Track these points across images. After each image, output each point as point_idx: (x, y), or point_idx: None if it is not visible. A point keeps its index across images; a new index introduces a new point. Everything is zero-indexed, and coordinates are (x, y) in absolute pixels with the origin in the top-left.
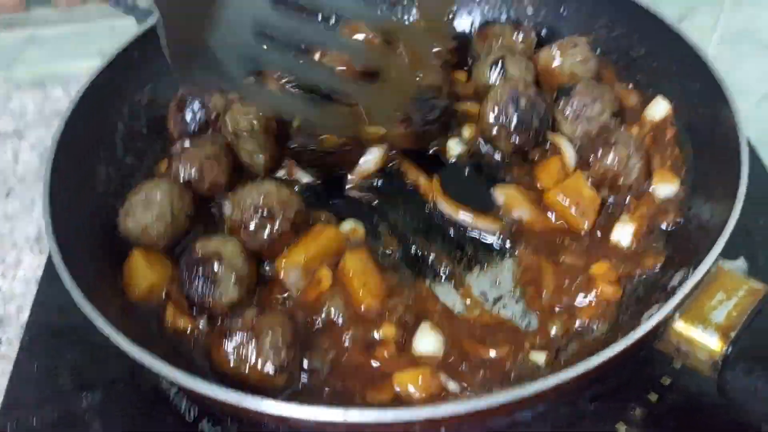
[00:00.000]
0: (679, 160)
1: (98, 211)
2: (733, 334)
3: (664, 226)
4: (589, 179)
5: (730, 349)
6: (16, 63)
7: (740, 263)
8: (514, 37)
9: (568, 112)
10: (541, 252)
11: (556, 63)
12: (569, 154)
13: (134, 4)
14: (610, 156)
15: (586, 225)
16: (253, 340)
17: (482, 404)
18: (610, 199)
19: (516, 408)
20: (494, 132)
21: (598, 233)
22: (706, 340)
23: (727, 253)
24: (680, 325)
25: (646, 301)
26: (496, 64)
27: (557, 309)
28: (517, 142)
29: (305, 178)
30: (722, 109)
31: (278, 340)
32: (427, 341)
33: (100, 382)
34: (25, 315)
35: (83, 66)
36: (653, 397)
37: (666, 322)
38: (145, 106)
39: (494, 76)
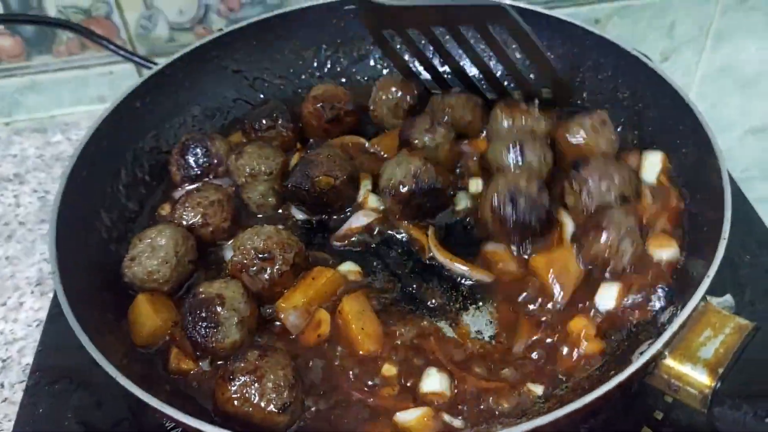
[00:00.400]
0: (677, 213)
1: (102, 255)
2: (721, 370)
3: (661, 292)
4: (581, 259)
5: (718, 385)
6: (17, 109)
7: (728, 299)
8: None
9: (574, 185)
10: (513, 303)
11: (578, 140)
12: (568, 228)
13: (134, 50)
14: (602, 240)
15: (560, 298)
16: (256, 382)
17: None
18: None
19: None
20: (490, 223)
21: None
22: (696, 376)
23: (715, 290)
24: (670, 362)
25: (636, 338)
26: (515, 146)
27: (535, 355)
28: (513, 237)
29: (299, 215)
30: (706, 151)
31: (280, 381)
32: (433, 381)
33: (104, 424)
34: (26, 358)
35: (83, 111)
36: (647, 431)
37: (656, 359)
38: (147, 153)
39: (511, 160)
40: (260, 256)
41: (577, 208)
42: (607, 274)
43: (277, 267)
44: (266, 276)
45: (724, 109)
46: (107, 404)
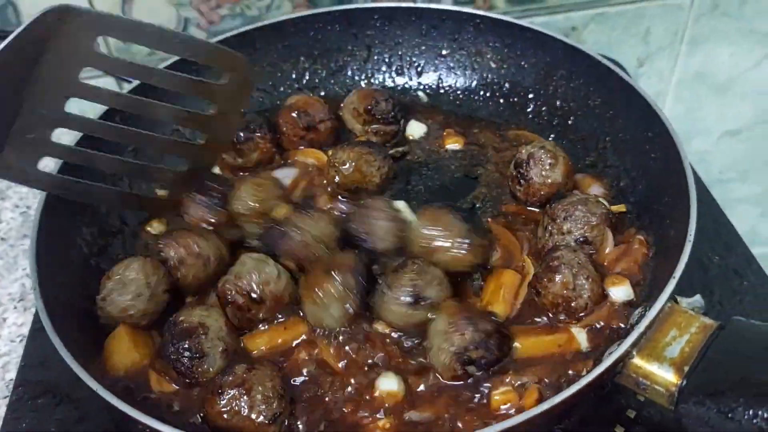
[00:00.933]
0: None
1: (83, 270)
2: (686, 369)
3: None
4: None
5: (684, 383)
6: None
7: (697, 299)
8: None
9: (545, 220)
10: None
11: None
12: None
13: None
14: (557, 280)
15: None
16: (245, 394)
17: None
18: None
19: None
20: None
21: None
22: (662, 375)
23: (684, 291)
24: (638, 361)
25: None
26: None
27: None
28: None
29: None
30: (672, 154)
31: (269, 392)
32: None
33: None
34: (10, 374)
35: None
36: (620, 430)
37: (624, 359)
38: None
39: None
40: (252, 297)
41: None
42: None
43: (262, 313)
44: (248, 316)
45: (700, 113)
46: (90, 419)
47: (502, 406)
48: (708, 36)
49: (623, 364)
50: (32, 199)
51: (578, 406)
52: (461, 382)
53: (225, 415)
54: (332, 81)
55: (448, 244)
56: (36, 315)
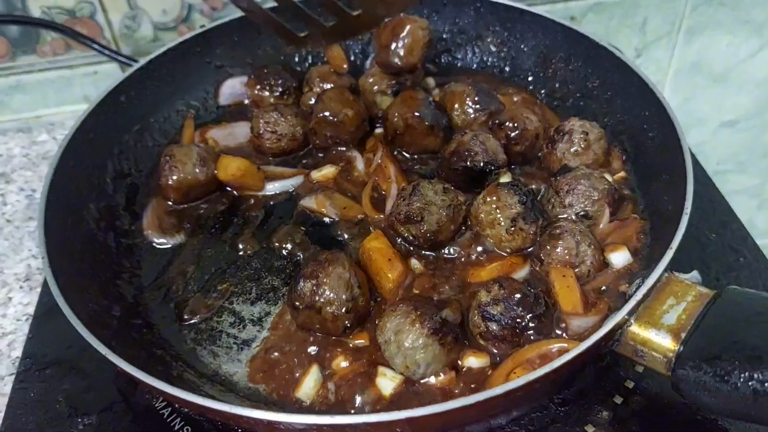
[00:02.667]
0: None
1: (90, 244)
2: (683, 335)
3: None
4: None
5: (681, 348)
6: (3, 109)
7: (694, 275)
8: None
9: (550, 192)
10: None
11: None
12: None
13: (118, 50)
14: (559, 249)
15: None
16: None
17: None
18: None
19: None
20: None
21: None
22: (660, 341)
23: (682, 267)
24: (635, 329)
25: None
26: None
27: None
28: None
29: None
30: (669, 131)
31: (343, 285)
32: None
33: (95, 408)
34: (16, 352)
35: (68, 111)
36: (618, 399)
37: (622, 326)
38: (132, 147)
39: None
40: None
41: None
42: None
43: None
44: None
45: (697, 103)
46: (97, 389)
47: None
48: (705, 26)
49: (621, 331)
50: (37, 182)
51: (577, 375)
52: None
53: (308, 300)
54: None
55: None
56: (43, 288)
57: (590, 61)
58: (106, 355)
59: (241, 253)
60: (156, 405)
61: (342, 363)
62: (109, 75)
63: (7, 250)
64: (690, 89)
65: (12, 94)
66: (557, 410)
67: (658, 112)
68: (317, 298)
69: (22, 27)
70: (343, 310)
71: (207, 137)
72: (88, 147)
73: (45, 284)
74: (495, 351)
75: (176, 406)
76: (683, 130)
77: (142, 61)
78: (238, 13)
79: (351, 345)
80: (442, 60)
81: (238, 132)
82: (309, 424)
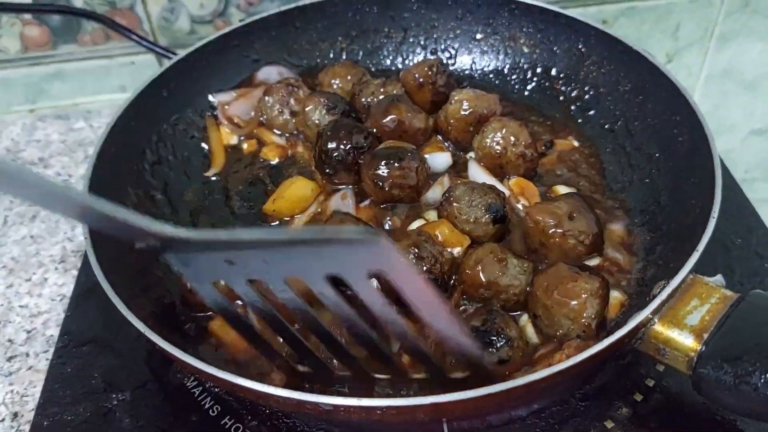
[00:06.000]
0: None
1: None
2: (706, 335)
3: None
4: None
5: (703, 348)
6: (42, 96)
7: (719, 278)
8: None
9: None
10: None
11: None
12: None
13: (155, 41)
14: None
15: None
16: None
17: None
18: None
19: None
20: None
21: None
22: (682, 341)
23: (707, 271)
24: (659, 328)
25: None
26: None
27: None
28: None
29: None
30: (698, 136)
31: None
32: None
33: (129, 385)
34: (50, 330)
35: (105, 100)
36: (638, 397)
37: (645, 325)
38: (170, 135)
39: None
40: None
41: None
42: None
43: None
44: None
45: (728, 110)
46: (131, 367)
47: None
48: (738, 33)
49: (644, 330)
50: (74, 168)
51: (599, 372)
52: None
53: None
54: (367, 61)
55: None
56: (81, 269)
57: (622, 64)
58: (144, 332)
59: None
60: (187, 384)
61: None
62: (146, 66)
63: (44, 233)
64: (720, 96)
65: (51, 82)
66: (577, 405)
67: (689, 117)
68: None
69: (64, 17)
70: None
71: None
72: (129, 135)
73: (83, 266)
74: None
75: (207, 385)
76: (713, 136)
77: (183, 52)
78: (275, 8)
79: None
80: (475, 62)
81: None
82: (337, 405)
